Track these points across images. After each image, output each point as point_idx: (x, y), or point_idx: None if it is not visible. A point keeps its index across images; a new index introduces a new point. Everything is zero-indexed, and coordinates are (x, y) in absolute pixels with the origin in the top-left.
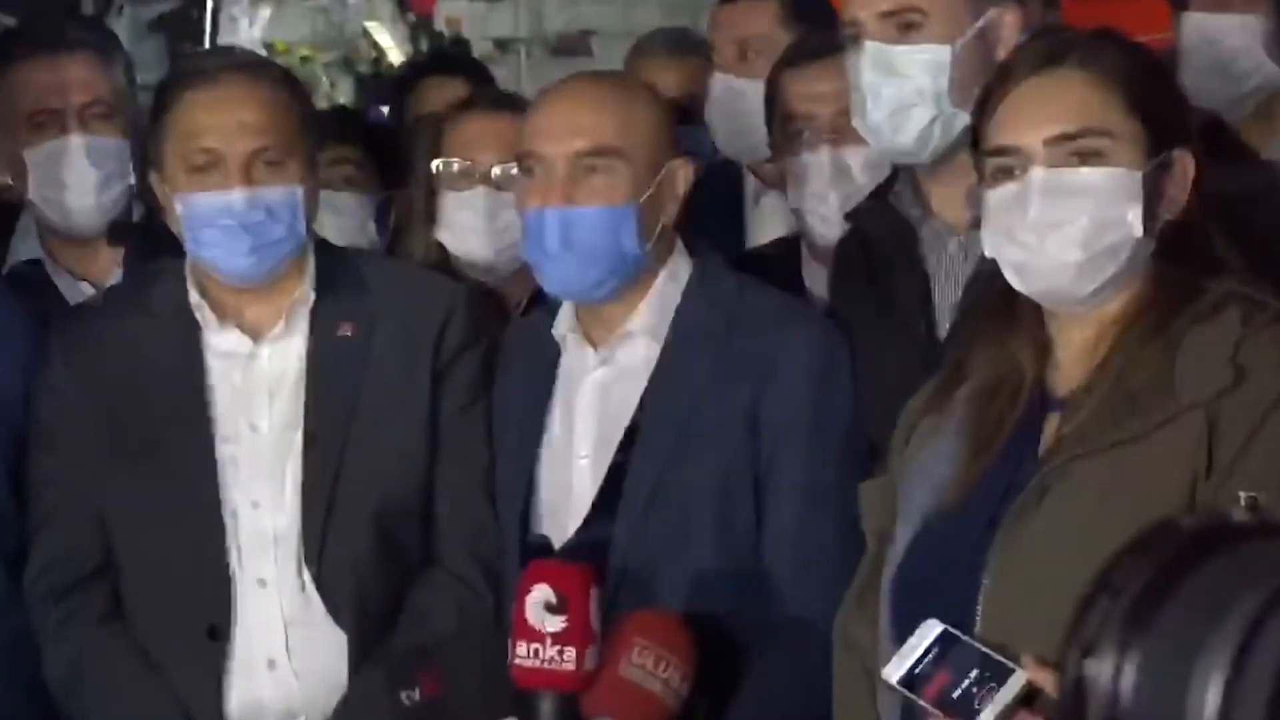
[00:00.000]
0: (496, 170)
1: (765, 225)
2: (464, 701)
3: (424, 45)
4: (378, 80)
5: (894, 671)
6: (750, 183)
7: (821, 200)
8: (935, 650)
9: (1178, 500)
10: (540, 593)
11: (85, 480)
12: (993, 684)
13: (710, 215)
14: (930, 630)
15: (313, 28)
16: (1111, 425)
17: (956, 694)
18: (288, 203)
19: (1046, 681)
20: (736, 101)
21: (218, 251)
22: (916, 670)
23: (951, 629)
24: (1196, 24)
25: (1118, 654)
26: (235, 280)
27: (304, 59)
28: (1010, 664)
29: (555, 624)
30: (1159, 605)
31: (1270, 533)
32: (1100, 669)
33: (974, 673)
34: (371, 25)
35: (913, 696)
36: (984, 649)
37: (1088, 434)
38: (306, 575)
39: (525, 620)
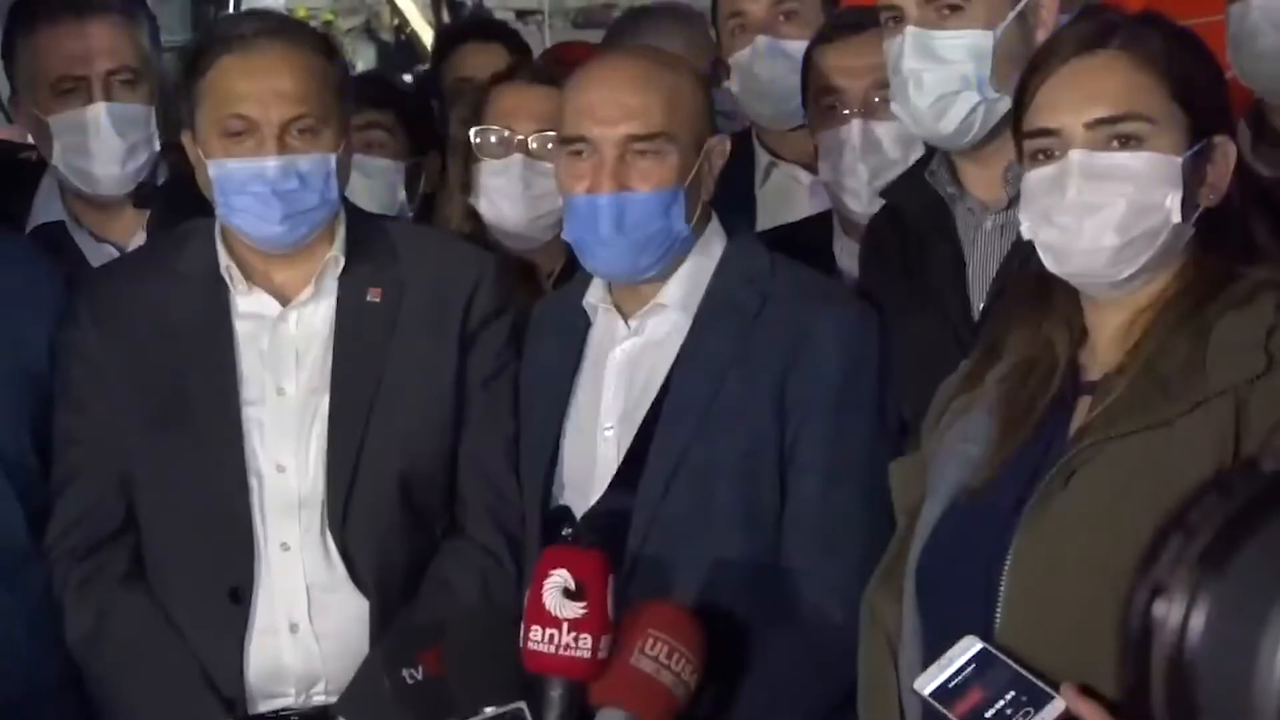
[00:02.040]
0: (533, 140)
1: (776, 201)
2: (466, 682)
3: (446, 15)
4: (399, 48)
5: (927, 683)
6: (762, 158)
7: (852, 174)
8: (971, 667)
9: None
10: (559, 577)
11: (110, 440)
12: (1029, 708)
13: (721, 190)
14: (968, 646)
15: None
16: (1141, 409)
17: (990, 714)
18: (321, 171)
19: (1085, 710)
20: (777, 63)
21: (249, 218)
22: (950, 684)
23: (990, 647)
24: (1263, 7)
25: (1189, 596)
26: (266, 246)
27: (326, 23)
28: (1049, 690)
29: (573, 610)
30: (1235, 549)
31: None
32: (1169, 610)
33: (1009, 694)
34: None
35: (944, 710)
36: (1022, 670)
37: (1117, 418)
38: (330, 539)
39: (542, 604)
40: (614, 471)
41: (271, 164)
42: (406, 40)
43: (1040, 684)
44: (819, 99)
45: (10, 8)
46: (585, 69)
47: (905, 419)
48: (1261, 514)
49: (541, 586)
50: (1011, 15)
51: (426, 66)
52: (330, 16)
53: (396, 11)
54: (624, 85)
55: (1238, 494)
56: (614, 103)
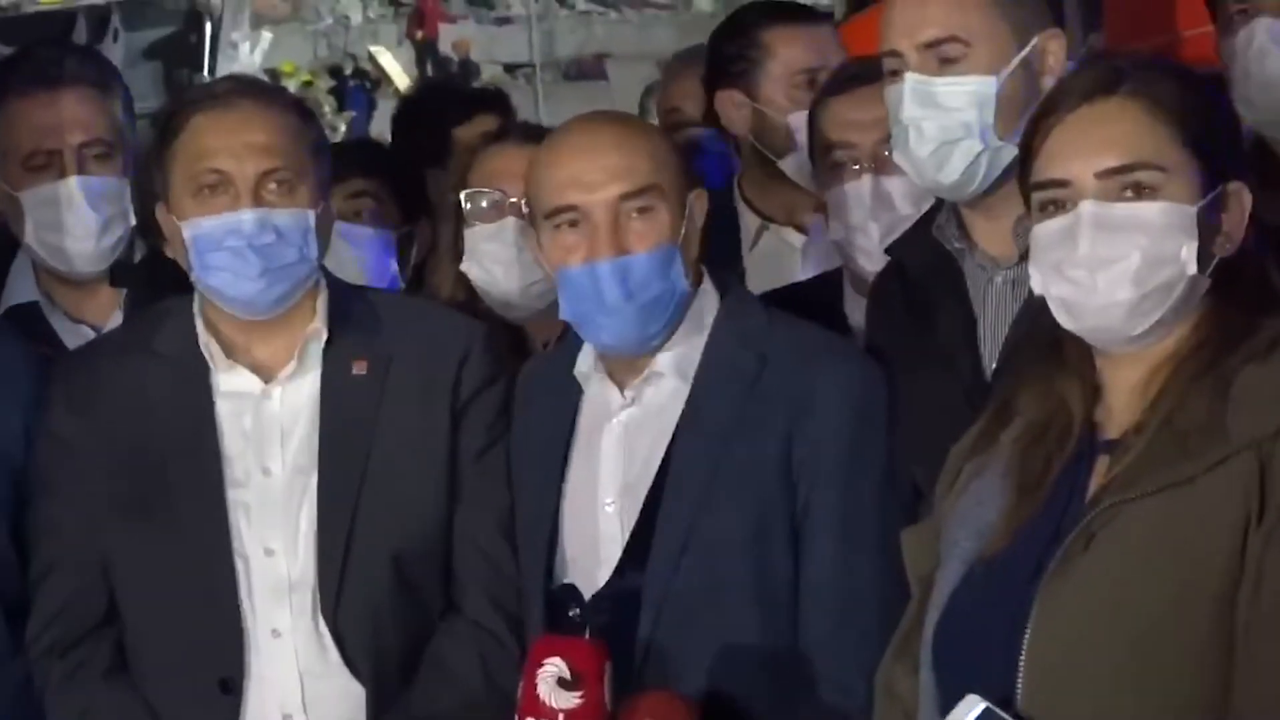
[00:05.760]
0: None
1: (767, 265)
2: None
3: (430, 69)
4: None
5: None
6: (751, 221)
7: (862, 231)
8: None
9: (1228, 545)
10: (553, 667)
11: (89, 529)
12: None
13: (705, 253)
14: (972, 707)
15: (315, 52)
16: (1161, 467)
17: None
18: (299, 226)
19: None
20: None
21: (226, 275)
22: None
23: (994, 707)
24: (1269, 26)
25: None
26: (244, 307)
27: (306, 84)
28: None
29: (569, 700)
30: None
31: None
32: None
33: None
34: (376, 49)
35: None
36: None
37: (1137, 477)
38: (322, 624)
39: (536, 696)
40: (618, 547)
41: (247, 217)
42: (391, 97)
43: None
44: (826, 155)
45: None
46: (554, 143)
47: (918, 483)
48: None
49: (535, 677)
50: (1015, 61)
51: None
52: (310, 77)
53: (379, 68)
54: (603, 147)
55: None
56: (598, 166)
